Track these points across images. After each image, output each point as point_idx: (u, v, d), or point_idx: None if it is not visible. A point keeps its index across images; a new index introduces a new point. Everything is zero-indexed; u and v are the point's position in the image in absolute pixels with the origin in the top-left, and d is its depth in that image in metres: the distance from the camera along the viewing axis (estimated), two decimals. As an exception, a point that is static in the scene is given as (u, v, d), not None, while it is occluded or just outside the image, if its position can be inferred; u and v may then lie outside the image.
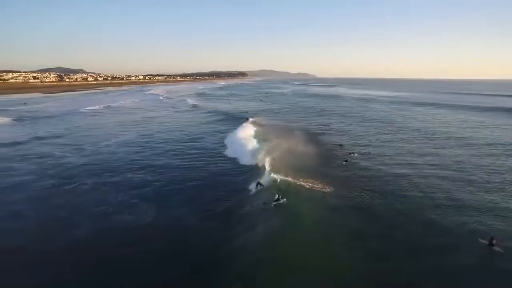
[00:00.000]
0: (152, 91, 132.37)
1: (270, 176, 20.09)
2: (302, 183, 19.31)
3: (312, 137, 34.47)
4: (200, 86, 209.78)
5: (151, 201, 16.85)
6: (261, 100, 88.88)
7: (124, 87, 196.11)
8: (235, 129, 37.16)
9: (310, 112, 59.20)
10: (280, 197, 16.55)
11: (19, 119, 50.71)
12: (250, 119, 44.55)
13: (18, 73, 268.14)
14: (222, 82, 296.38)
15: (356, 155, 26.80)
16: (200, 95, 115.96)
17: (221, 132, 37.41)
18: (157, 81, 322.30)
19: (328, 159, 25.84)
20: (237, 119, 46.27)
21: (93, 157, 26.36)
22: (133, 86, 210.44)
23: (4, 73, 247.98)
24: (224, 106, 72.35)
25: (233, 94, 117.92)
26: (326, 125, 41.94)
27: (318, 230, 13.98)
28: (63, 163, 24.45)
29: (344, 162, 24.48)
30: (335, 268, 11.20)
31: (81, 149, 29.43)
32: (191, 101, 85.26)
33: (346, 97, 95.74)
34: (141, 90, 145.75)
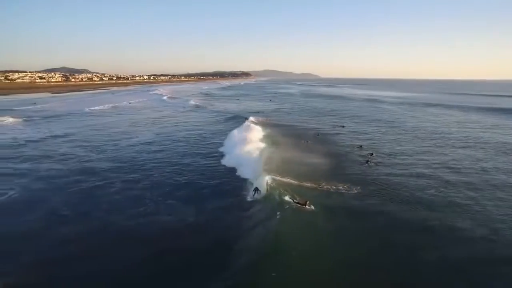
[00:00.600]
0: (158, 91, 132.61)
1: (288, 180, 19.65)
2: (326, 186, 19.25)
3: (329, 138, 34.52)
4: (206, 86, 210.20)
5: (188, 201, 16.86)
6: (270, 100, 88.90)
7: (129, 87, 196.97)
8: (253, 129, 37.42)
9: (321, 112, 59.14)
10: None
11: (32, 119, 51.11)
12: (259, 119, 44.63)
13: (24, 73, 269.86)
14: (226, 82, 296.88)
15: (375, 155, 26.90)
16: (208, 95, 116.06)
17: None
18: (162, 81, 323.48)
19: (349, 160, 25.85)
20: (255, 121, 46.49)
21: (117, 157, 26.47)
22: (139, 86, 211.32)
23: (10, 73, 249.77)
24: (236, 106, 72.44)
25: (241, 95, 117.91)
26: (341, 126, 41.81)
27: (352, 235, 13.88)
28: (89, 163, 24.57)
29: (366, 163, 24.57)
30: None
31: (103, 149, 29.55)
32: (200, 101, 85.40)
33: (354, 98, 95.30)
34: (147, 90, 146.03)
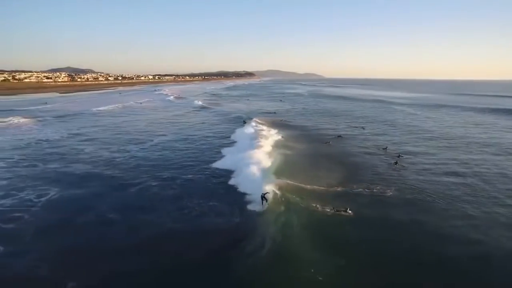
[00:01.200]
0: (165, 91, 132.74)
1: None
2: (359, 189, 18.99)
3: (350, 139, 34.24)
4: (211, 86, 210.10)
5: (230, 203, 16.70)
6: (280, 101, 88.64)
7: (135, 87, 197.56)
8: (273, 128, 37.34)
9: (335, 113, 58.63)
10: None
11: (46, 119, 51.33)
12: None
13: (30, 73, 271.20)
14: (231, 82, 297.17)
15: (404, 157, 26.70)
16: (215, 95, 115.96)
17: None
18: (167, 81, 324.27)
19: (376, 161, 25.61)
20: (270, 121, 46.40)
21: (144, 157, 26.35)
22: (144, 86, 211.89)
23: (17, 73, 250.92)
24: (246, 106, 72.21)
25: (249, 95, 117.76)
26: (362, 127, 41.42)
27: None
28: (118, 164, 24.42)
29: (395, 165, 24.36)
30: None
31: (127, 149, 29.42)
32: (210, 101, 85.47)
33: (364, 99, 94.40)
34: (154, 90, 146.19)
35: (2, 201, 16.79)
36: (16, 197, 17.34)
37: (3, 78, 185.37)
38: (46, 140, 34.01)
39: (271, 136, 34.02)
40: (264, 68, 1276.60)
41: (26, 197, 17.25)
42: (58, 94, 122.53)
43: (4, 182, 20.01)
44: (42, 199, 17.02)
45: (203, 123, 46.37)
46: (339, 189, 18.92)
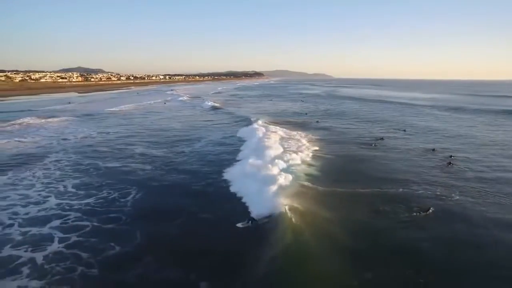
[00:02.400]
0: (181, 91, 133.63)
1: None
2: (420, 191, 18.73)
3: (394, 142, 33.89)
4: (224, 86, 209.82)
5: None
6: (302, 101, 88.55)
7: (149, 87, 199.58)
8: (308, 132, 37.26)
9: (362, 115, 57.63)
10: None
11: (78, 116, 52.40)
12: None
13: (44, 73, 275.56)
14: (241, 82, 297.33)
15: (455, 157, 26.57)
16: (234, 95, 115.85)
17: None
18: (178, 81, 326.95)
19: (428, 162, 25.46)
20: (307, 123, 46.36)
21: (202, 158, 26.54)
22: (158, 86, 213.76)
23: (31, 73, 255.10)
24: (272, 107, 72.34)
25: (267, 95, 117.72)
26: (403, 130, 40.64)
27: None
28: (178, 165, 24.61)
29: (449, 165, 24.24)
30: None
31: (178, 149, 29.63)
32: (234, 101, 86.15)
33: (385, 100, 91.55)
34: (170, 90, 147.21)
35: (87, 201, 17.07)
36: (100, 197, 17.62)
37: (21, 78, 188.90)
38: (92, 138, 34.71)
39: (314, 137, 34.43)
40: (273, 68, 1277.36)
41: (110, 197, 17.51)
42: (77, 94, 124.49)
43: (77, 181, 20.36)
44: (128, 198, 17.25)
45: (237, 123, 46.48)
46: (400, 190, 18.80)
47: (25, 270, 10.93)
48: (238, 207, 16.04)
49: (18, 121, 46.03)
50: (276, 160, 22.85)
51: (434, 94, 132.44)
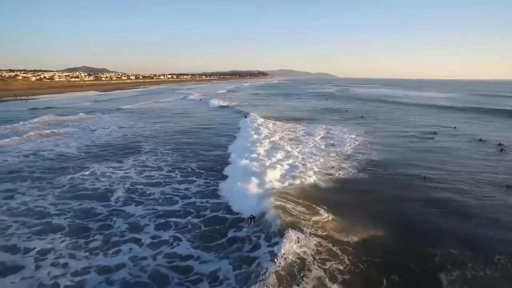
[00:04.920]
0: (197, 91, 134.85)
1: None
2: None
3: (449, 136, 35.78)
4: (233, 85, 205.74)
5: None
6: (326, 99, 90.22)
7: (161, 86, 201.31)
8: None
9: (393, 115, 58.57)
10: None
11: (117, 114, 54.91)
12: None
13: (52, 73, 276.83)
14: (249, 82, 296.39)
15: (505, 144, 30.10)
16: (255, 94, 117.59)
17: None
18: (185, 80, 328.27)
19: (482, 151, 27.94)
20: (349, 119, 48.04)
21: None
22: (169, 85, 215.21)
23: (40, 72, 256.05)
24: (311, 106, 73.49)
25: (289, 94, 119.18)
26: (454, 128, 41.42)
27: None
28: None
29: (501, 152, 27.88)
30: None
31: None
32: (261, 101, 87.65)
33: (401, 101, 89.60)
34: (189, 89, 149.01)
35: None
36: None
37: (38, 77, 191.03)
38: (155, 134, 36.69)
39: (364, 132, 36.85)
40: (276, 68, 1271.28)
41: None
42: (97, 93, 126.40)
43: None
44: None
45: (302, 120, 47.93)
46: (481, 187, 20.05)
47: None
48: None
49: (75, 117, 48.65)
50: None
51: (448, 93, 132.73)
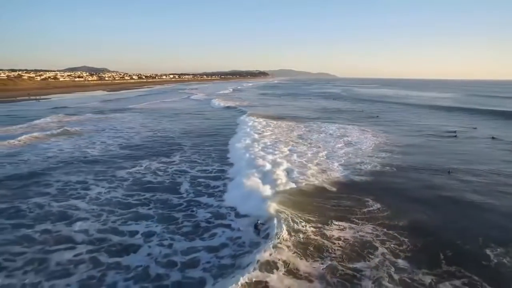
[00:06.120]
0: (202, 90, 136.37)
1: None
2: None
3: (467, 137, 37.12)
4: (236, 85, 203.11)
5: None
6: (334, 99, 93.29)
7: (165, 85, 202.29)
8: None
9: (400, 116, 59.62)
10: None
11: (133, 112, 56.39)
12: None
13: (54, 72, 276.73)
14: (250, 82, 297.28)
15: None
16: (265, 94, 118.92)
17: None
18: (188, 80, 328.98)
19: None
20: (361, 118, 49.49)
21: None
22: (172, 85, 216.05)
23: (42, 72, 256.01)
24: (324, 105, 75.06)
25: (295, 94, 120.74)
26: (474, 128, 42.13)
27: None
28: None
29: None
30: None
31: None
32: (277, 100, 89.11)
33: (406, 101, 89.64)
34: (194, 89, 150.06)
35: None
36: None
37: (45, 77, 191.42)
38: (185, 132, 37.95)
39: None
40: (276, 68, 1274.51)
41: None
42: (105, 92, 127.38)
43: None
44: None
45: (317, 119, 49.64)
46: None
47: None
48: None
49: (95, 116, 49.85)
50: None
51: (450, 93, 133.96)
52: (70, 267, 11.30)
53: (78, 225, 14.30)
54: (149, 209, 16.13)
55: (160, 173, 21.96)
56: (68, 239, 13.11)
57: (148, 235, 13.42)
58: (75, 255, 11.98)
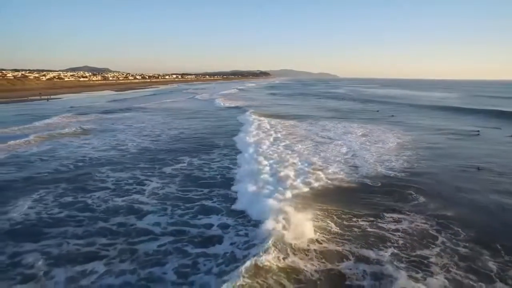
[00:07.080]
0: (207, 90, 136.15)
1: None
2: None
3: (490, 136, 37.71)
4: (240, 85, 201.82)
5: None
6: (343, 99, 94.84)
7: (169, 85, 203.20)
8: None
9: (413, 115, 60.77)
10: None
11: (148, 111, 57.16)
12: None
13: (57, 72, 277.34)
14: (252, 82, 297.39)
15: None
16: (274, 94, 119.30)
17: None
18: (191, 80, 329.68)
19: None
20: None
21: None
22: (177, 85, 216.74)
23: (45, 72, 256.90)
24: (336, 106, 75.28)
25: (303, 94, 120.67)
26: (498, 128, 41.96)
27: None
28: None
29: None
30: None
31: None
32: (288, 100, 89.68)
33: (415, 102, 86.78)
34: (201, 89, 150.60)
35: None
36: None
37: (50, 77, 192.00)
38: (212, 131, 37.85)
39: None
40: (278, 68, 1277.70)
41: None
42: (113, 92, 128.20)
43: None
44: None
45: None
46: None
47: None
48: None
49: (112, 116, 50.64)
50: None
51: (458, 92, 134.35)
52: (159, 256, 11.86)
53: (149, 218, 14.93)
54: (213, 202, 16.88)
55: (205, 169, 22.67)
56: (146, 232, 13.66)
57: (223, 227, 14.20)
58: (159, 246, 12.67)
